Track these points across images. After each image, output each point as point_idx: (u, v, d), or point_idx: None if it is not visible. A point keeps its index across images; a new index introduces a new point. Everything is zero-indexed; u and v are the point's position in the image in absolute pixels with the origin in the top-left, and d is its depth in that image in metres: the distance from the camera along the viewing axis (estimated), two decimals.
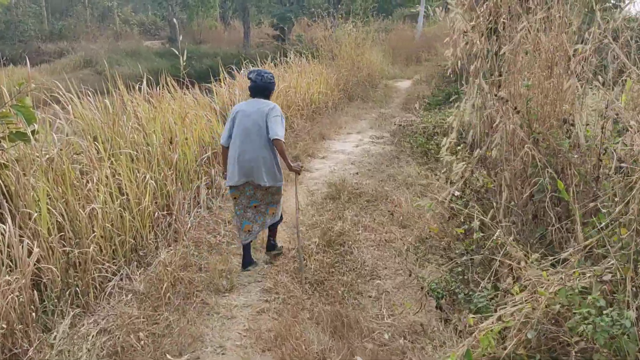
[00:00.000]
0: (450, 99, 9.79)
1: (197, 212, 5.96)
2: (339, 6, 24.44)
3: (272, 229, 5.04)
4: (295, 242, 5.18)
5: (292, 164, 4.58)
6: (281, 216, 5.06)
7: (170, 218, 5.40)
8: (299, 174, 4.89)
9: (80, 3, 34.83)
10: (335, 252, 5.07)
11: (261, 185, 4.60)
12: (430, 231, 5.30)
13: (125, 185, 4.92)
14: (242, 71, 9.99)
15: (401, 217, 5.92)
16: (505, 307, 2.93)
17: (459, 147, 5.68)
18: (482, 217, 3.77)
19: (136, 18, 38.33)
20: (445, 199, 5.15)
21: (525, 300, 2.80)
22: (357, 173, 7.93)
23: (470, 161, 4.24)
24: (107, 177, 4.77)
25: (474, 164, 4.26)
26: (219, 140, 7.56)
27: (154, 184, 5.26)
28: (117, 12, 36.06)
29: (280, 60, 12.79)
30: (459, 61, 5.26)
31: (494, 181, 4.14)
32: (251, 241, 4.92)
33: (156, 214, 5.22)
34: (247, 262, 4.88)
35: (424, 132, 8.71)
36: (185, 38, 27.83)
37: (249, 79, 4.74)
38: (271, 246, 5.08)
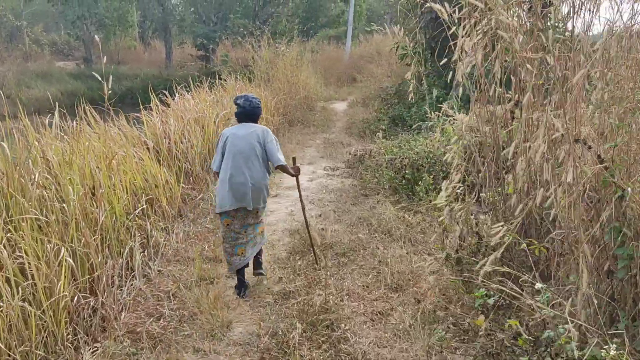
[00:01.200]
0: (413, 126, 8.84)
1: (132, 284, 4.56)
2: (265, 26, 23.47)
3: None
4: None
5: (292, 171, 4.79)
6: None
7: (95, 301, 3.99)
8: (299, 173, 4.94)
9: None
10: (323, 340, 3.84)
11: (250, 209, 4.56)
12: (436, 300, 4.21)
13: (29, 265, 3.49)
14: (176, 98, 8.50)
15: (391, 277, 4.81)
16: None
17: (458, 190, 4.70)
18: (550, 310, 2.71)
19: (48, 38, 35.63)
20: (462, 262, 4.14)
21: None
22: (319, 215, 6.75)
23: (512, 223, 3.17)
24: (1, 254, 3.34)
25: (515, 227, 3.19)
26: (153, 181, 6.32)
27: (71, 260, 3.82)
28: (26, 32, 33.22)
29: (215, 82, 11.47)
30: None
31: (549, 250, 3.09)
32: (244, 266, 4.72)
33: (76, 298, 3.81)
34: (244, 287, 4.71)
35: (390, 165, 7.65)
36: (102, 58, 25.83)
37: (237, 104, 4.76)
38: (259, 264, 4.89)
